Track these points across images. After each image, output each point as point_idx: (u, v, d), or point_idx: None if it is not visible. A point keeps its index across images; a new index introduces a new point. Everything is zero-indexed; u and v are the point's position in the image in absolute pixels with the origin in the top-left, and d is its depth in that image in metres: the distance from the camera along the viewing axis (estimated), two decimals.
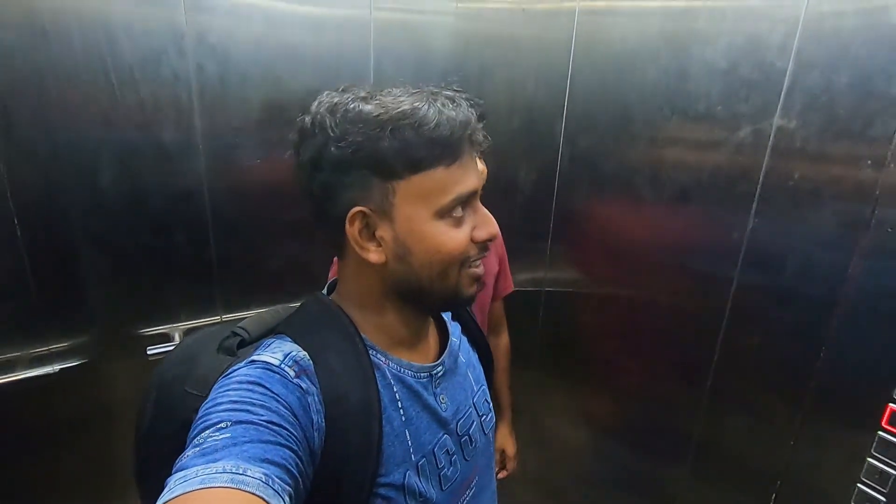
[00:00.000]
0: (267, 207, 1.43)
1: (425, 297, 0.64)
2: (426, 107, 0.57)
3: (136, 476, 0.71)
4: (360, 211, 0.59)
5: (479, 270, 0.65)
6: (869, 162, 0.94)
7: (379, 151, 0.56)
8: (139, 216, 1.31)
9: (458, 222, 0.61)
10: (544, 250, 1.57)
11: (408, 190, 0.58)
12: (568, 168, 1.45)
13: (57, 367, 1.26)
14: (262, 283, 1.51)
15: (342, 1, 1.44)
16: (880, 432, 1.00)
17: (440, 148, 0.57)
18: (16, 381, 1.20)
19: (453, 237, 0.60)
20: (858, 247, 0.98)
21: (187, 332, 1.43)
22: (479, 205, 0.64)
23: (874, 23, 0.92)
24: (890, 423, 0.98)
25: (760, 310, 1.14)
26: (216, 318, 1.47)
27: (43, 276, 1.21)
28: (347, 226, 0.60)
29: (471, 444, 0.74)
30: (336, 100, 0.59)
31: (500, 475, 1.52)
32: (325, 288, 0.73)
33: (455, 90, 0.61)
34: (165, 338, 1.41)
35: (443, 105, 0.58)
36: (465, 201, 0.61)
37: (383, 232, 0.60)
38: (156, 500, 0.44)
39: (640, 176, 1.29)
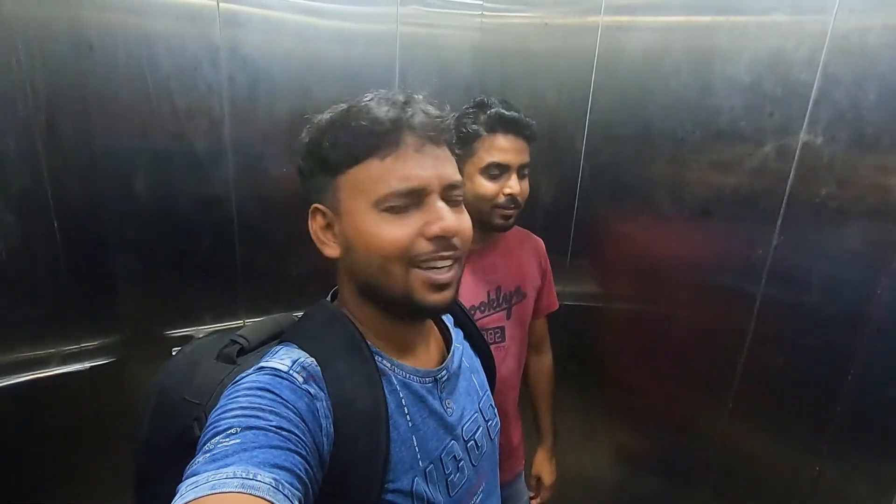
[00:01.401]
0: (292, 215, 1.46)
1: (380, 296, 0.63)
2: (367, 102, 0.61)
3: (134, 483, 0.72)
4: (316, 207, 0.64)
5: (440, 276, 0.62)
6: None
7: (322, 150, 0.62)
8: (170, 221, 1.36)
9: (401, 217, 0.60)
10: (564, 264, 1.56)
11: (348, 183, 0.61)
12: (589, 182, 1.44)
13: (87, 365, 1.31)
14: (285, 289, 1.54)
15: (370, 16, 1.48)
16: None
17: (373, 139, 0.59)
18: (48, 377, 1.25)
19: (389, 231, 0.59)
20: (887, 265, 0.95)
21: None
22: (435, 201, 0.61)
23: None
24: None
25: (785, 329, 1.11)
26: (240, 322, 1.51)
27: (78, 276, 1.26)
28: (310, 222, 0.65)
29: (477, 450, 0.74)
30: (318, 115, 0.65)
31: (534, 502, 1.47)
32: (330, 295, 0.73)
33: (419, 92, 0.63)
34: (190, 340, 1.45)
35: (386, 100, 0.61)
36: (413, 196, 0.60)
37: (336, 226, 0.64)
38: (163, 487, 0.46)
39: (661, 191, 1.28)
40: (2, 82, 1.10)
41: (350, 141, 0.59)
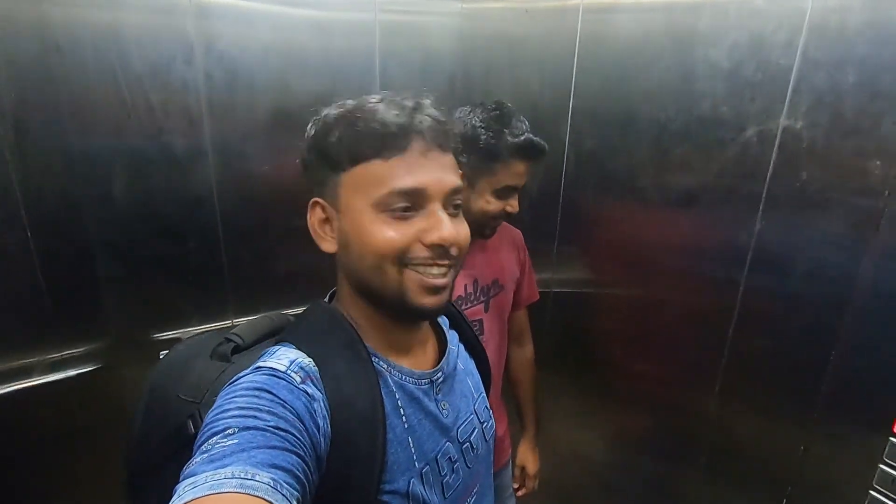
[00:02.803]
0: (277, 213, 1.45)
1: (374, 296, 0.64)
2: (376, 104, 0.60)
3: (126, 482, 0.72)
4: (316, 201, 0.65)
5: (435, 281, 0.62)
6: (877, 161, 0.92)
7: (328, 146, 0.62)
8: (151, 223, 1.34)
9: (401, 220, 0.60)
10: (551, 251, 1.56)
11: (349, 181, 0.61)
12: (574, 169, 1.44)
13: (73, 373, 1.30)
14: (273, 287, 1.53)
15: (347, 4, 1.45)
16: (892, 438, 0.98)
17: (379, 140, 0.59)
18: (33, 386, 1.24)
19: (385, 232, 0.59)
20: (868, 247, 0.96)
21: None
22: (437, 209, 0.61)
23: (881, 19, 0.90)
24: None
25: (769, 312, 1.13)
26: (228, 323, 1.50)
27: (57, 283, 1.24)
28: (308, 216, 0.65)
29: (472, 451, 0.74)
30: (323, 111, 0.64)
31: (519, 493, 1.49)
32: (328, 295, 0.73)
33: (427, 96, 0.63)
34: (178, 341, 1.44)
35: (395, 103, 0.60)
36: (414, 199, 0.60)
37: (334, 222, 0.64)
38: (160, 487, 0.46)
39: (645, 177, 1.28)
40: None
41: (356, 140, 0.60)
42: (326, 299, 0.72)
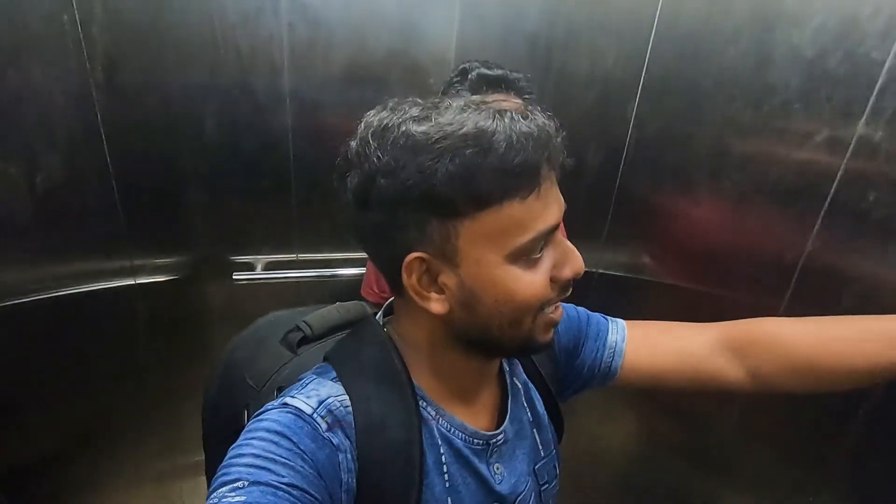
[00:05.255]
0: None
1: (493, 346, 0.55)
2: (494, 126, 0.46)
3: (203, 436, 0.75)
4: (418, 258, 0.50)
5: (556, 315, 0.55)
6: None
7: (436, 186, 0.46)
8: (233, 158, 1.50)
9: (536, 263, 0.51)
10: (601, 234, 1.50)
11: (474, 230, 0.48)
12: (633, 153, 1.34)
13: (162, 279, 1.54)
14: (335, 230, 1.66)
15: None
16: None
17: (513, 178, 0.46)
18: (127, 286, 1.50)
19: (530, 283, 0.50)
20: None
21: (268, 265, 1.64)
22: (561, 237, 0.53)
23: None
24: None
25: None
26: (293, 256, 1.67)
27: (146, 204, 1.46)
28: (404, 275, 0.51)
29: None
30: (385, 121, 0.49)
31: None
32: (383, 310, 0.64)
33: (527, 101, 0.56)
34: (250, 266, 1.64)
35: (512, 121, 0.46)
36: (546, 239, 0.51)
37: (446, 278, 0.51)
38: (217, 464, 0.47)
39: (701, 170, 1.15)
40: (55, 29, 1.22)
41: (483, 179, 0.46)
42: (382, 314, 0.63)
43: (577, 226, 1.43)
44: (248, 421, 0.52)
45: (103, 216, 1.41)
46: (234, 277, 1.59)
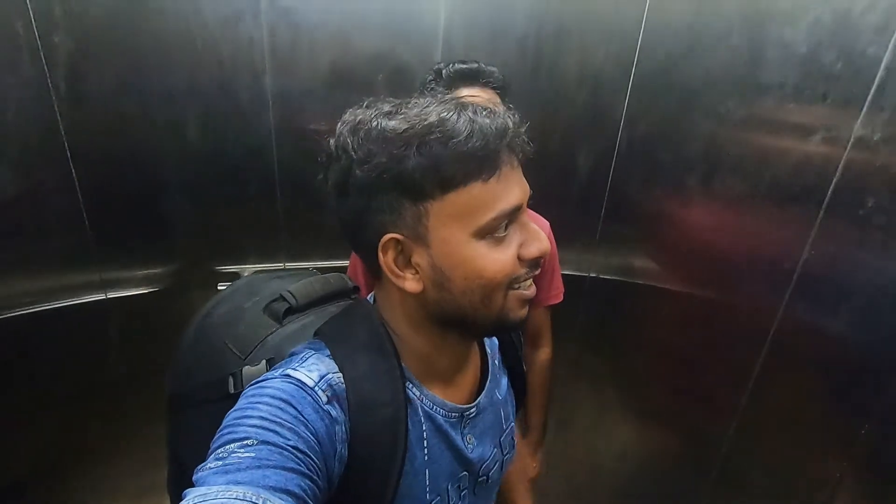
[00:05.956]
0: None
1: (469, 324, 0.59)
2: (455, 116, 0.51)
3: (167, 397, 0.76)
4: (393, 238, 0.54)
5: (529, 292, 0.59)
6: None
7: (406, 171, 0.51)
8: (216, 165, 1.46)
9: (501, 241, 0.55)
10: (594, 234, 1.46)
11: (441, 211, 0.53)
12: (625, 153, 1.30)
13: (143, 291, 1.51)
14: (323, 237, 1.62)
15: None
16: None
17: (474, 161, 0.51)
18: (107, 299, 1.47)
19: (496, 259, 0.54)
20: None
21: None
22: (526, 219, 0.57)
23: None
24: None
25: (805, 351, 0.95)
26: (280, 265, 1.63)
27: (133, 213, 1.43)
28: (381, 255, 0.55)
29: (486, 483, 0.71)
30: (360, 118, 0.54)
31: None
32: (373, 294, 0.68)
33: (500, 94, 0.57)
34: (235, 276, 1.60)
35: (474, 113, 0.52)
36: (509, 218, 0.54)
37: (419, 258, 0.55)
38: (183, 424, 0.51)
39: (693, 171, 1.11)
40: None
41: (448, 163, 0.51)
42: (372, 298, 0.66)
43: (569, 228, 1.41)
44: (236, 389, 0.58)
45: (67, 228, 1.37)
46: (219, 288, 1.56)
